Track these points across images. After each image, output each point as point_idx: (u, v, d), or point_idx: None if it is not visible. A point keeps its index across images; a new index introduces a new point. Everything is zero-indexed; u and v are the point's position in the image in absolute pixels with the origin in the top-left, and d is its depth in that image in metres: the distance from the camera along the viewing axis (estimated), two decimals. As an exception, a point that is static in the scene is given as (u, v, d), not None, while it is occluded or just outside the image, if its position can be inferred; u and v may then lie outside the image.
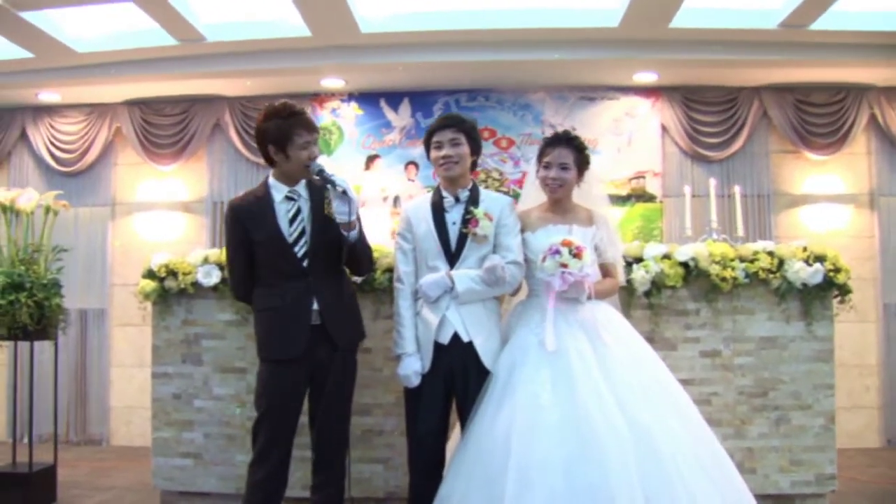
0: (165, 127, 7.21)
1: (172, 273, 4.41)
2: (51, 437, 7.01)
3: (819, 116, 6.82)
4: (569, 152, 3.54)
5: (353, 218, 3.32)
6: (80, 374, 7.25)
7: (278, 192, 3.48)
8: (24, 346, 5.76)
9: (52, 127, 7.36)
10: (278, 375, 3.42)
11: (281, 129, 3.39)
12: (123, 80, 6.68)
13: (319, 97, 7.11)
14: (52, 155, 7.35)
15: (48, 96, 7.13)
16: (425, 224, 3.54)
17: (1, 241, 5.02)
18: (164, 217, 7.29)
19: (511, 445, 3.08)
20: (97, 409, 7.24)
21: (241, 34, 6.07)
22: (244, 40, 6.10)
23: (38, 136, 7.37)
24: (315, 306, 3.42)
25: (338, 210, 3.29)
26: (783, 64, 6.40)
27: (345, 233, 3.35)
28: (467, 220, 3.48)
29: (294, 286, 3.41)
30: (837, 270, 4.23)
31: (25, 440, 6.96)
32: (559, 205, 3.60)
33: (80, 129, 7.33)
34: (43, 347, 6.09)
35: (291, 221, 3.45)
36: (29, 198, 5.05)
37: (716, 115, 6.92)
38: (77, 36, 6.18)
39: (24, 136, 7.44)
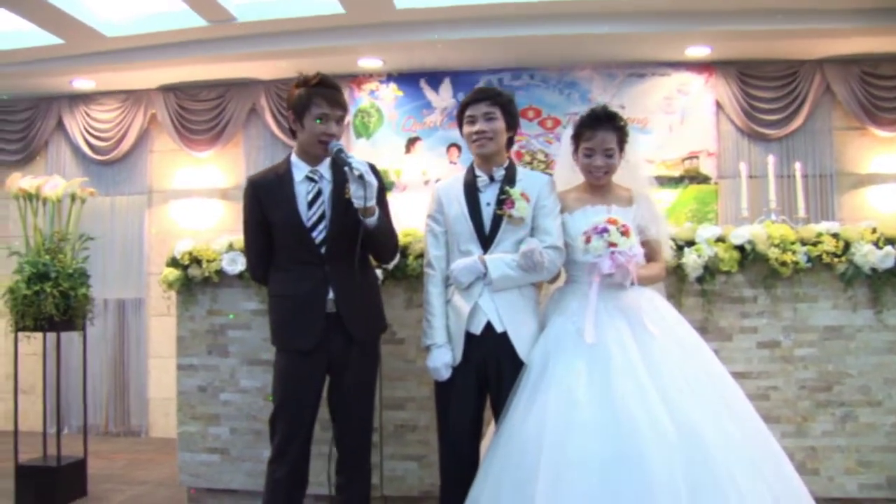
0: (201, 112, 7.07)
1: (196, 261, 4.24)
2: (91, 430, 7.01)
3: (887, 90, 6.36)
4: (612, 135, 3.26)
5: (371, 203, 3.07)
6: (119, 365, 7.18)
7: (299, 170, 3.26)
8: (53, 337, 5.72)
9: (87, 115, 7.27)
10: (292, 366, 3.22)
11: (301, 98, 3.18)
12: (156, 64, 6.54)
13: (357, 78, 6.88)
14: (88, 143, 7.26)
15: (82, 83, 7.02)
16: (457, 205, 3.29)
17: (28, 230, 4.88)
18: (202, 204, 7.15)
19: (543, 443, 2.84)
20: (136, 401, 7.17)
21: (272, 13, 5.86)
22: (275, 19, 5.88)
23: (75, 124, 7.28)
24: (331, 295, 3.19)
25: (354, 194, 3.05)
26: (847, 33, 5.96)
27: (362, 218, 3.10)
28: (502, 200, 3.22)
29: (310, 273, 3.19)
30: (910, 253, 3.86)
31: (64, 431, 6.95)
32: (599, 185, 3.32)
33: (116, 116, 7.23)
34: (77, 338, 6.01)
35: (311, 204, 3.22)
36: (55, 185, 4.91)
37: (774, 90, 6.51)
38: (106, 19, 6.05)
39: (60, 124, 7.37)
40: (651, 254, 3.31)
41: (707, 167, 6.57)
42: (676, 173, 6.55)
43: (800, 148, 6.46)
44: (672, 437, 2.76)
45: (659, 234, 3.35)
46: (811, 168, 6.37)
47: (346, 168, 3.05)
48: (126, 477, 5.48)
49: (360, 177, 3.02)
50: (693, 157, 6.58)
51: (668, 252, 3.47)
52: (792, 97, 6.48)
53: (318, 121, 3.16)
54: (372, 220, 3.11)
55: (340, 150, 3.12)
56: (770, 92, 6.52)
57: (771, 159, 5.18)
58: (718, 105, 6.60)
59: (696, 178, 6.57)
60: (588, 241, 3.06)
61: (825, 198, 6.37)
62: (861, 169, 6.48)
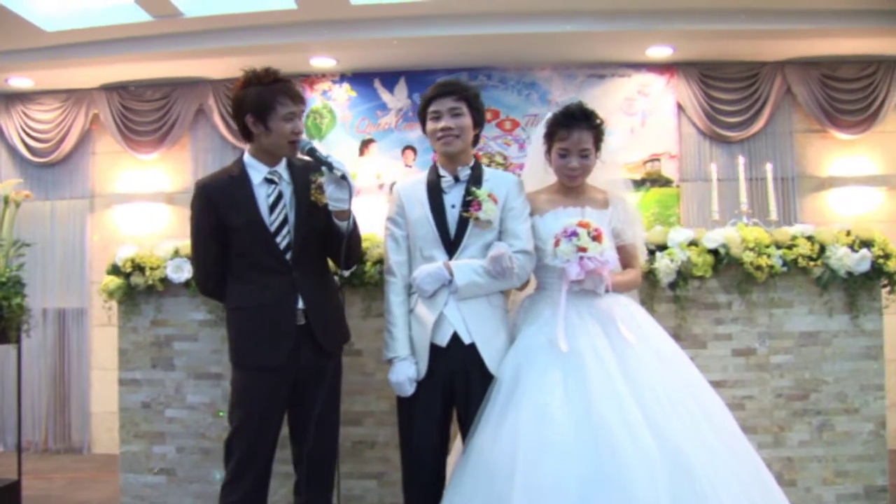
0: (146, 113, 6.76)
1: (139, 268, 3.96)
2: (29, 447, 6.67)
3: (847, 92, 6.33)
4: (588, 135, 3.08)
5: (349, 206, 2.86)
6: (60, 378, 6.82)
7: (257, 172, 3.02)
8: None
9: (25, 115, 6.90)
10: (256, 383, 2.97)
11: (262, 97, 2.94)
12: (98, 62, 6.22)
13: (309, 78, 6.64)
14: (26, 144, 6.90)
15: (19, 82, 6.66)
16: (420, 207, 3.08)
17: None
18: (146, 209, 6.81)
19: (517, 464, 2.64)
20: (78, 415, 6.81)
21: (221, 8, 5.61)
22: (224, 15, 5.63)
23: (11, 124, 6.91)
24: (300, 305, 2.96)
25: (333, 196, 2.84)
26: (808, 34, 5.90)
27: (339, 223, 2.87)
28: (468, 202, 3.02)
29: (276, 282, 2.97)
30: (887, 257, 3.77)
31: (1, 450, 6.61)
32: (572, 187, 3.13)
33: (56, 116, 6.88)
34: (14, 350, 5.70)
35: (272, 207, 2.99)
36: (-14, 187, 4.59)
37: (736, 92, 6.43)
38: (45, 14, 5.73)
39: (-5, 124, 6.99)
40: (627, 259, 3.14)
41: (669, 170, 6.46)
42: (637, 176, 6.41)
43: (761, 150, 6.38)
44: (654, 454, 2.60)
45: (635, 238, 3.18)
46: (773, 170, 6.26)
47: (325, 168, 2.83)
48: (65, 499, 5.17)
49: (343, 177, 2.80)
50: (654, 159, 6.47)
51: (642, 257, 3.29)
52: (753, 99, 6.41)
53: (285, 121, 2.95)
54: (348, 224, 2.89)
55: (313, 149, 2.92)
56: (731, 94, 6.44)
57: (741, 160, 5.08)
58: (680, 107, 6.50)
59: (658, 180, 6.46)
60: (557, 244, 2.87)
61: (787, 201, 6.29)
62: (822, 172, 6.43)
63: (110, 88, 6.78)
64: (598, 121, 3.10)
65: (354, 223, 2.98)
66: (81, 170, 6.94)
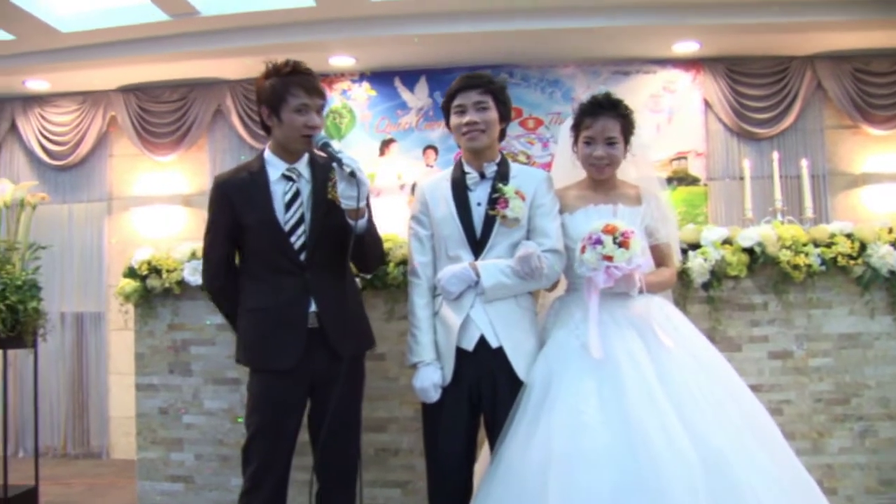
0: (163, 114, 6.71)
1: (156, 271, 3.87)
2: (48, 452, 6.62)
3: (880, 87, 6.17)
4: (615, 122, 2.95)
5: (363, 204, 2.73)
6: (78, 383, 6.78)
7: (275, 168, 2.92)
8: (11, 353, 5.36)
9: (42, 117, 6.88)
10: (270, 389, 2.86)
11: (275, 88, 2.84)
12: (114, 63, 6.18)
13: (329, 78, 6.56)
14: (44, 147, 6.87)
15: (36, 84, 6.64)
16: (445, 205, 2.95)
17: (-28, 239, 4.50)
18: (164, 211, 6.76)
19: (549, 474, 2.51)
20: (97, 420, 6.77)
21: (237, 6, 5.54)
22: (241, 13, 5.57)
23: (29, 127, 6.89)
24: (313, 307, 2.84)
25: (344, 194, 2.71)
26: (839, 27, 5.75)
27: (351, 222, 2.76)
28: (495, 199, 2.88)
29: (288, 283, 2.85)
30: (931, 254, 3.59)
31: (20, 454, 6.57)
32: (602, 182, 3.01)
33: (73, 118, 6.85)
34: (41, 354, 5.65)
35: (289, 206, 2.87)
36: (1, 190, 4.52)
37: (764, 87, 6.29)
38: (61, 14, 5.70)
39: (13, 128, 6.99)
40: (660, 258, 3.00)
41: (696, 168, 6.32)
42: (664, 175, 6.25)
43: (791, 147, 6.22)
44: (692, 460, 2.47)
45: (669, 236, 3.03)
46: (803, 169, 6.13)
47: (335, 164, 2.71)
48: (83, 505, 5.08)
49: (352, 174, 2.67)
50: (681, 157, 6.33)
51: (677, 256, 3.15)
52: (782, 95, 6.26)
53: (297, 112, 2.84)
54: (362, 223, 2.78)
55: (327, 144, 2.79)
56: (760, 89, 6.30)
57: (776, 156, 4.92)
58: (707, 103, 6.37)
59: (685, 179, 6.32)
60: (583, 251, 2.74)
61: (819, 199, 6.10)
62: (854, 168, 6.27)
63: (127, 90, 6.74)
64: (626, 110, 2.98)
65: (370, 223, 2.86)
66: (99, 172, 6.90)
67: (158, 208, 6.75)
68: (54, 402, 6.72)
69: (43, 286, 4.59)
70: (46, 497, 4.75)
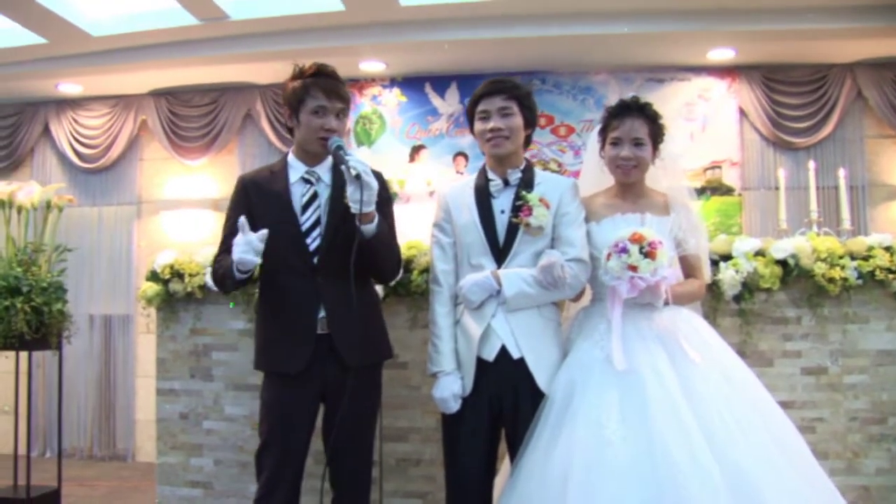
0: (193, 118, 6.73)
1: (178, 274, 3.84)
2: (74, 453, 6.65)
3: (923, 95, 5.98)
4: (642, 123, 2.89)
5: (370, 209, 2.68)
6: (105, 385, 6.81)
7: (295, 171, 2.90)
8: (40, 355, 5.38)
9: (74, 121, 6.93)
10: (281, 393, 2.83)
11: (296, 90, 2.84)
12: (145, 66, 6.20)
13: (359, 83, 6.54)
14: (76, 151, 6.92)
15: (69, 87, 6.68)
16: (468, 212, 2.89)
17: (0, 241, 4.51)
18: (193, 215, 6.76)
19: (569, 487, 2.44)
20: (123, 423, 6.79)
21: (268, 10, 5.52)
22: (271, 17, 5.55)
23: (61, 130, 6.94)
24: (322, 313, 2.79)
25: (351, 198, 2.66)
26: (880, 33, 5.58)
27: (358, 225, 2.70)
28: (518, 207, 2.82)
29: (299, 286, 2.81)
30: (973, 269, 3.46)
31: (46, 455, 6.60)
32: (630, 189, 2.94)
33: (104, 122, 6.89)
34: (68, 356, 5.68)
35: (305, 208, 2.85)
36: (30, 192, 4.54)
37: (801, 96, 6.14)
38: (92, 19, 5.73)
39: (46, 131, 7.04)
40: (689, 270, 2.91)
41: (730, 178, 6.19)
42: (698, 184, 6.13)
43: (829, 157, 6.06)
44: (716, 478, 2.38)
45: (699, 247, 2.94)
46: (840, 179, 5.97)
47: (343, 167, 2.67)
48: (105, 508, 5.08)
49: (357, 177, 2.62)
50: (715, 166, 6.20)
51: (706, 268, 3.05)
52: (821, 103, 6.11)
53: (314, 114, 2.81)
54: (370, 228, 2.72)
55: (340, 147, 2.76)
56: (797, 98, 6.15)
57: (812, 166, 4.78)
58: (742, 112, 6.24)
59: (719, 189, 6.19)
60: (609, 258, 2.67)
61: (857, 210, 5.93)
62: (895, 180, 6.07)
63: (158, 94, 6.76)
64: (654, 114, 2.92)
65: (380, 229, 2.78)
66: (129, 176, 6.94)
67: (188, 212, 6.76)
68: (81, 403, 6.76)
69: (71, 288, 4.60)
70: (69, 499, 4.75)
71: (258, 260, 2.66)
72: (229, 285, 2.86)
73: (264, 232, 2.65)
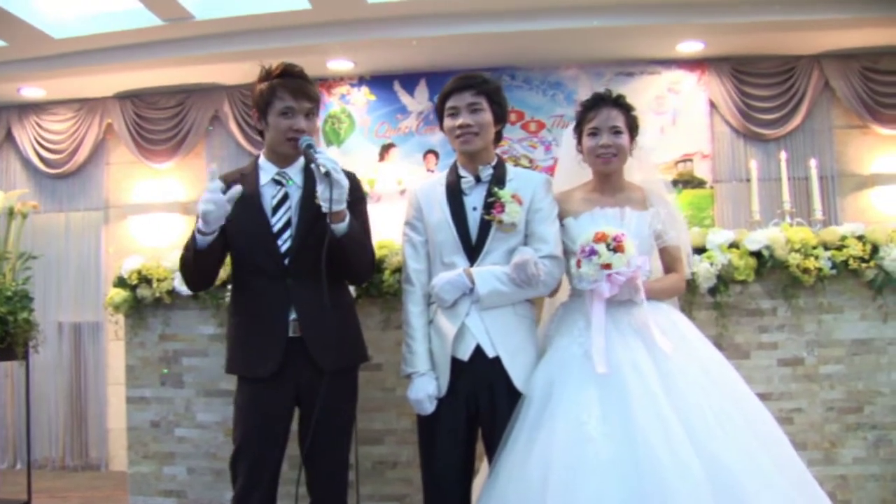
0: (160, 121, 6.62)
1: (146, 280, 3.77)
2: (46, 464, 6.54)
3: (889, 85, 6.03)
4: (618, 113, 2.90)
5: (340, 208, 2.64)
6: (76, 394, 6.67)
7: (265, 172, 2.86)
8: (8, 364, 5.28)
9: (38, 125, 6.79)
10: (253, 398, 2.78)
11: (263, 92, 2.80)
12: (110, 69, 6.09)
13: (327, 82, 6.47)
14: (40, 156, 6.78)
15: (31, 91, 6.55)
16: (439, 210, 2.85)
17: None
18: (162, 220, 6.65)
19: (549, 486, 2.42)
20: (95, 432, 6.65)
21: (233, 10, 5.44)
22: (236, 17, 5.47)
23: (25, 136, 6.81)
24: (293, 315, 2.74)
25: (321, 196, 2.62)
26: (846, 24, 5.62)
27: (329, 224, 2.65)
28: (490, 204, 2.78)
29: (270, 288, 2.76)
30: (947, 257, 3.48)
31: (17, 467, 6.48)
32: (609, 182, 2.92)
33: (69, 126, 6.76)
34: (38, 365, 5.57)
35: (276, 209, 2.80)
36: (-9, 198, 4.44)
37: (770, 87, 6.17)
38: (53, 20, 5.61)
39: (9, 136, 6.90)
40: (670, 262, 2.91)
41: (702, 170, 6.20)
42: (669, 177, 6.09)
43: (799, 149, 6.09)
44: (698, 473, 2.37)
45: (679, 239, 2.93)
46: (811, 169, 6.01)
47: (313, 165, 2.63)
48: (78, 519, 4.99)
49: (327, 174, 2.58)
50: (687, 159, 6.21)
51: (687, 261, 3.04)
52: (789, 95, 6.14)
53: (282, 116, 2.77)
54: (341, 227, 2.67)
55: (310, 146, 2.72)
56: (766, 90, 6.18)
57: (783, 156, 4.80)
58: (712, 104, 6.25)
59: (691, 182, 6.19)
60: (579, 265, 2.65)
61: (827, 200, 5.96)
62: (864, 169, 6.14)
63: (123, 97, 6.65)
64: (628, 105, 2.93)
65: (353, 228, 2.74)
66: (95, 180, 6.82)
67: (156, 216, 6.65)
68: (53, 413, 6.63)
69: (39, 296, 4.51)
70: (40, 512, 4.65)
71: (223, 212, 2.60)
72: (191, 257, 2.77)
73: (238, 188, 2.62)
